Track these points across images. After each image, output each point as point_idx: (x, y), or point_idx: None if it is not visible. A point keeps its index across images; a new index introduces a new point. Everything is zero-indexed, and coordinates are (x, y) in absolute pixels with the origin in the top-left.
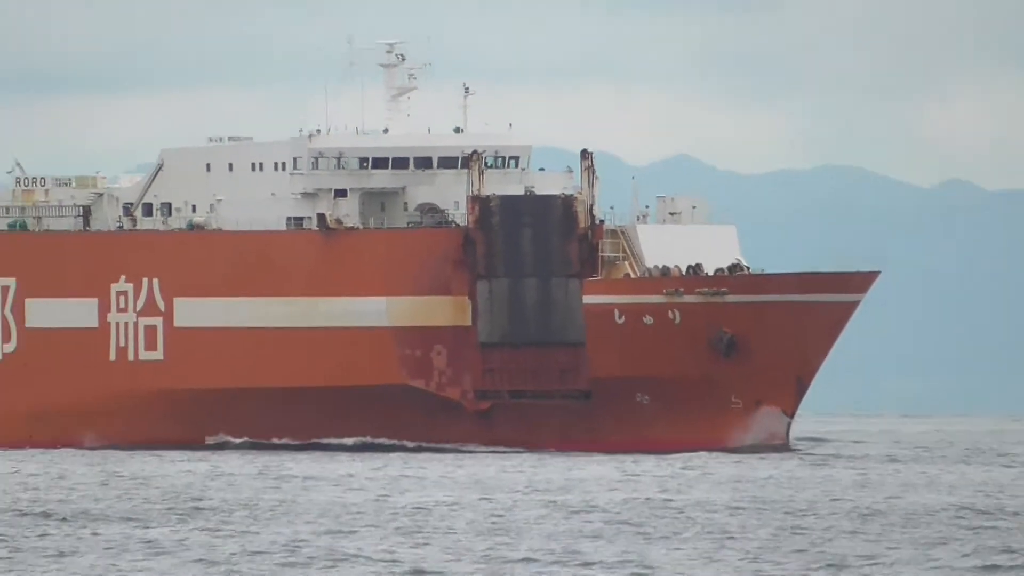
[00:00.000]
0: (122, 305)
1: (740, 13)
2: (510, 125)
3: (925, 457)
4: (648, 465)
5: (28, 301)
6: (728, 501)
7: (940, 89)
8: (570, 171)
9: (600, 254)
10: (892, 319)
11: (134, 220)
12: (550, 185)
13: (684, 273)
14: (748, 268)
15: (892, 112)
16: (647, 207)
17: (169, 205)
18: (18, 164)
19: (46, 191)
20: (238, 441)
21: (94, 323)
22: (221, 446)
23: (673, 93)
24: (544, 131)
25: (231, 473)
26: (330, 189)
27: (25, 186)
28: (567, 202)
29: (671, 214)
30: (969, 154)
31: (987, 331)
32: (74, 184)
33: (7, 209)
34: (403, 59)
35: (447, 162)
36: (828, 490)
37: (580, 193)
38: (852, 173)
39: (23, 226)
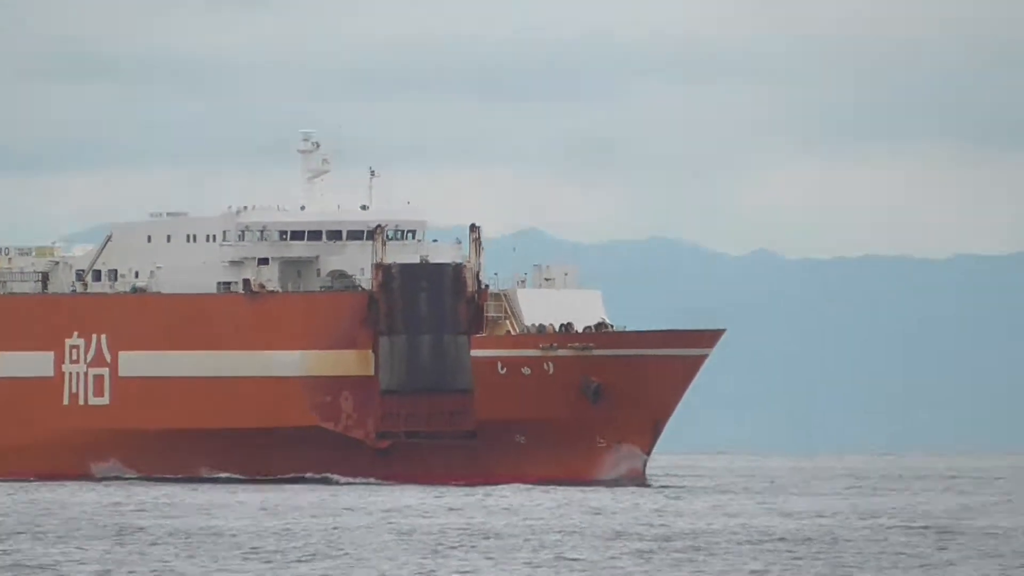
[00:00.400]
0: (74, 357)
1: (587, 100)
2: (407, 203)
3: (733, 489)
4: (459, 496)
5: None
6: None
7: (752, 169)
8: (459, 243)
9: (485, 314)
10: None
11: (85, 284)
12: (442, 254)
13: (557, 330)
14: (612, 326)
15: (712, 188)
16: (526, 273)
17: (116, 271)
18: None
19: (9, 259)
20: (174, 476)
21: (51, 373)
22: (158, 479)
23: (526, 171)
24: (437, 207)
25: (165, 501)
26: (254, 258)
27: None
28: (457, 269)
29: (546, 279)
30: (775, 226)
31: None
32: (34, 253)
33: None
34: (317, 146)
35: (355, 234)
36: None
37: (468, 261)
38: (676, 243)
39: None
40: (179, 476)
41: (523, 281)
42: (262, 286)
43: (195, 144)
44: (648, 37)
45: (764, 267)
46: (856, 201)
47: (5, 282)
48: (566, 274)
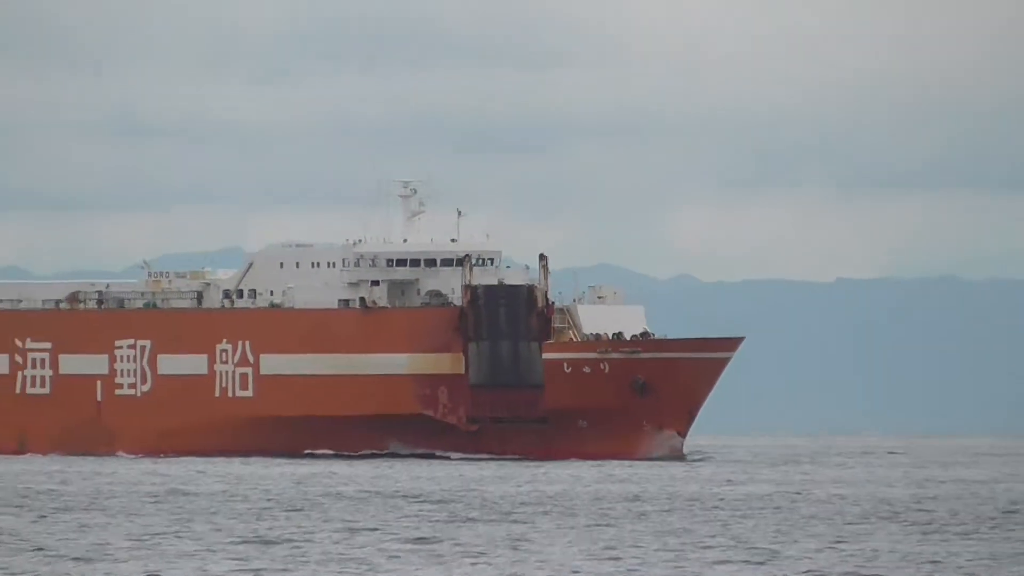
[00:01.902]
0: (224, 359)
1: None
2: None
3: (753, 463)
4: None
5: (159, 356)
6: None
7: (677, 208)
8: (527, 268)
9: (552, 325)
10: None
11: (232, 301)
12: (514, 278)
13: (611, 338)
14: (653, 334)
15: (645, 224)
16: (584, 292)
17: (255, 291)
18: (146, 263)
19: (169, 281)
20: (309, 452)
21: (205, 371)
22: (293, 455)
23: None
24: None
25: (312, 472)
26: (368, 280)
27: (154, 278)
28: (530, 289)
29: (599, 297)
30: (695, 255)
31: None
32: (188, 276)
33: (142, 294)
34: (415, 192)
35: (446, 262)
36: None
37: (538, 283)
38: (618, 268)
39: (154, 305)
40: (308, 454)
41: (581, 298)
42: (374, 303)
43: (314, 188)
44: (598, 106)
45: (686, 289)
46: (756, 234)
47: (167, 299)
48: (615, 293)
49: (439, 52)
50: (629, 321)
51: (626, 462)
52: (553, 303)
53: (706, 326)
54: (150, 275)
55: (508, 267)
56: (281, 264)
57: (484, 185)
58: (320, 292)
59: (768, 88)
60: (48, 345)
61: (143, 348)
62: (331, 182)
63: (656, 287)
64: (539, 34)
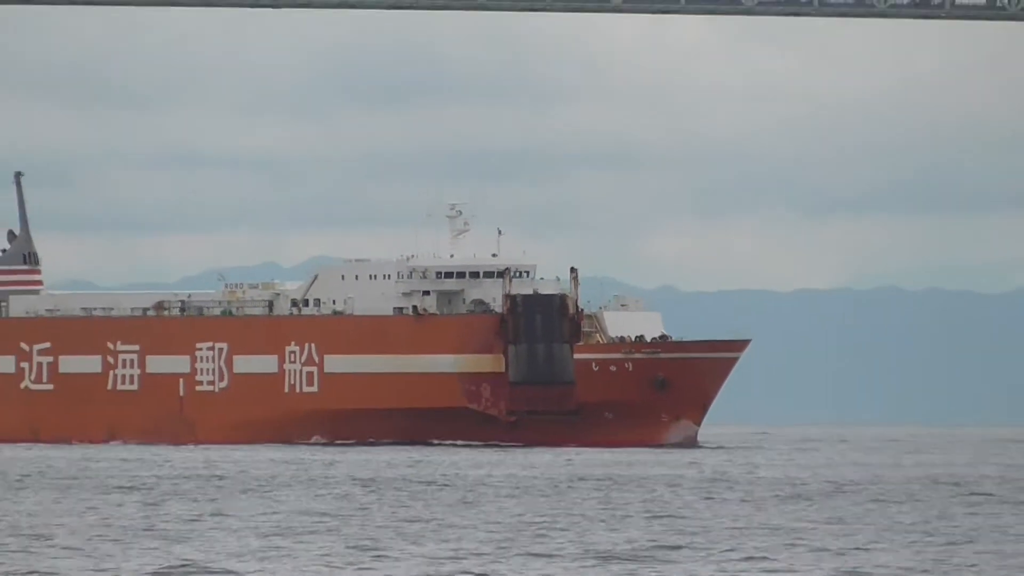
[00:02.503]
0: (292, 359)
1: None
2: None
3: (760, 449)
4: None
5: (235, 357)
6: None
7: (659, 228)
8: (558, 280)
9: (582, 329)
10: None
11: (299, 309)
12: (548, 288)
13: (634, 340)
14: (671, 337)
15: (633, 241)
16: (609, 300)
17: (319, 300)
18: (221, 276)
19: (243, 291)
20: (363, 442)
21: (275, 370)
22: (353, 443)
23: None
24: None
25: (365, 458)
26: (420, 291)
27: (230, 289)
28: (562, 298)
29: (622, 305)
30: (676, 268)
31: None
32: (260, 287)
33: (219, 302)
34: (460, 213)
35: (488, 274)
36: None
37: (570, 293)
38: (608, 280)
39: (230, 312)
40: (366, 442)
41: (606, 306)
42: (425, 310)
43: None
44: (587, 138)
45: (667, 298)
46: (728, 251)
47: (242, 307)
48: (637, 301)
49: (448, 90)
50: (649, 325)
51: (648, 449)
52: (583, 310)
53: (689, 330)
54: (226, 286)
55: (542, 279)
56: (342, 276)
57: (484, 207)
58: (377, 301)
59: (738, 122)
60: (136, 347)
61: (221, 350)
62: (356, 206)
63: (642, 296)
64: (536, 73)
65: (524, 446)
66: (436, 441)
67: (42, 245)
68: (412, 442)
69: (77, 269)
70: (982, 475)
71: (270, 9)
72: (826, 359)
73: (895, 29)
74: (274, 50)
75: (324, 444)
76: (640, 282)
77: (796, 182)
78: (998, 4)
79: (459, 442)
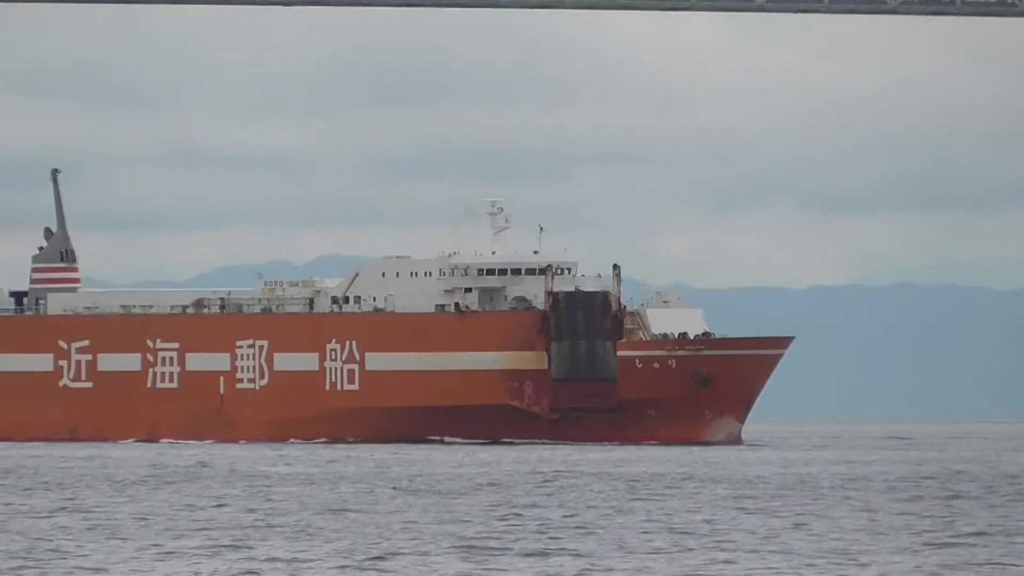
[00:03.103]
0: (333, 357)
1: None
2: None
3: (802, 446)
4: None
5: (276, 354)
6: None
7: (670, 227)
8: (599, 276)
9: (625, 326)
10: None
11: (340, 306)
12: (588, 284)
13: (677, 337)
14: (714, 334)
15: (644, 240)
16: (651, 297)
17: (359, 297)
18: (259, 274)
19: (283, 289)
20: (404, 440)
21: (316, 367)
22: (398, 439)
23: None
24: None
25: (407, 455)
26: (462, 288)
27: (269, 286)
28: (605, 295)
29: (664, 302)
30: (688, 264)
31: None
32: (300, 285)
33: (259, 300)
34: (501, 210)
35: (530, 271)
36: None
37: (612, 290)
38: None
39: (269, 310)
40: (406, 440)
41: (648, 303)
42: (467, 307)
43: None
44: (599, 137)
45: (681, 294)
46: (741, 247)
47: (282, 305)
48: (678, 298)
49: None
50: (691, 322)
51: (693, 446)
52: (625, 307)
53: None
54: (265, 284)
55: (582, 276)
56: (383, 274)
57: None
58: (418, 298)
59: (749, 120)
60: (176, 345)
61: (261, 347)
62: (365, 204)
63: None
64: (545, 72)
65: (566, 443)
66: (475, 439)
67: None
68: (450, 440)
69: (88, 266)
70: None
71: (281, 7)
72: (837, 356)
73: (905, 25)
74: (284, 48)
75: (357, 442)
76: (651, 278)
77: (806, 179)
78: (1008, 1)
79: (503, 439)
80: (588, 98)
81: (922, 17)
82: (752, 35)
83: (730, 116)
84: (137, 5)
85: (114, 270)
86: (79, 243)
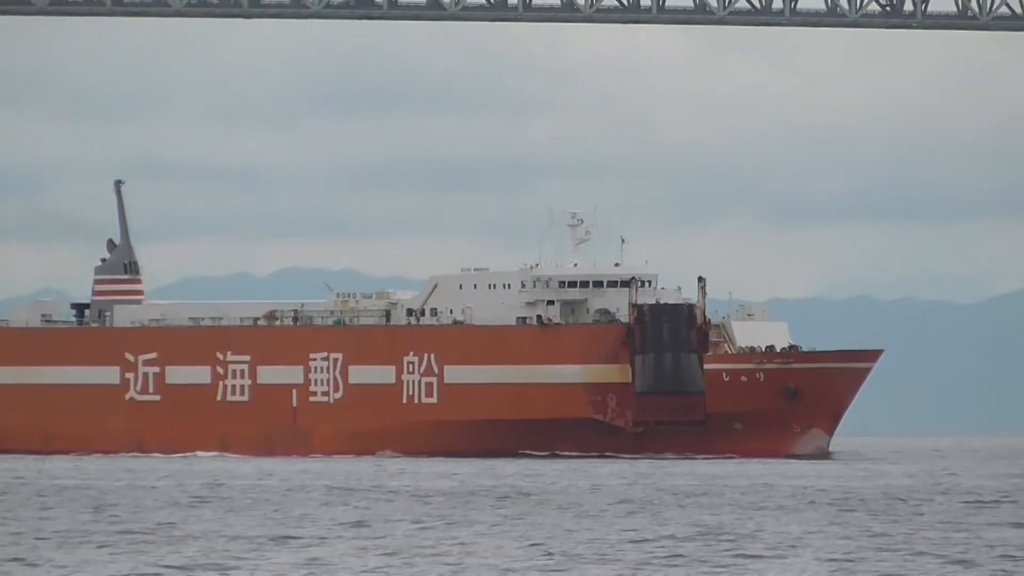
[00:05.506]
0: (411, 370)
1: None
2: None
3: (892, 460)
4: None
5: (351, 367)
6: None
7: (632, 235)
8: (679, 289)
9: (710, 339)
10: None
11: (418, 318)
12: (668, 297)
13: (764, 351)
14: (800, 347)
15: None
16: (735, 310)
17: (436, 309)
18: (328, 285)
19: (356, 301)
20: (483, 454)
21: (393, 380)
22: (478, 454)
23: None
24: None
25: (491, 468)
26: (544, 300)
27: (343, 298)
28: (690, 308)
29: (748, 315)
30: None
31: None
32: (374, 297)
33: (331, 312)
34: (581, 222)
35: (612, 283)
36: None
37: (697, 303)
38: None
39: (343, 322)
40: (487, 454)
41: (731, 316)
42: (550, 320)
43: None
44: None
45: None
46: (700, 261)
47: (356, 317)
48: (763, 311)
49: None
50: (776, 335)
51: (780, 460)
52: (710, 320)
53: None
54: (338, 296)
55: (663, 288)
56: (460, 286)
57: (461, 218)
58: (498, 310)
59: (709, 134)
60: (247, 358)
61: (335, 360)
62: (328, 217)
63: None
64: (514, 84)
65: (651, 457)
66: (557, 453)
67: (4, 254)
68: (531, 454)
69: (47, 278)
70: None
71: (244, 20)
72: None
73: (867, 39)
74: (249, 60)
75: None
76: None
77: (765, 191)
78: (969, 14)
79: (587, 453)
80: (549, 111)
81: (883, 30)
82: (714, 48)
83: (689, 129)
84: (99, 17)
85: (71, 281)
86: (34, 255)
